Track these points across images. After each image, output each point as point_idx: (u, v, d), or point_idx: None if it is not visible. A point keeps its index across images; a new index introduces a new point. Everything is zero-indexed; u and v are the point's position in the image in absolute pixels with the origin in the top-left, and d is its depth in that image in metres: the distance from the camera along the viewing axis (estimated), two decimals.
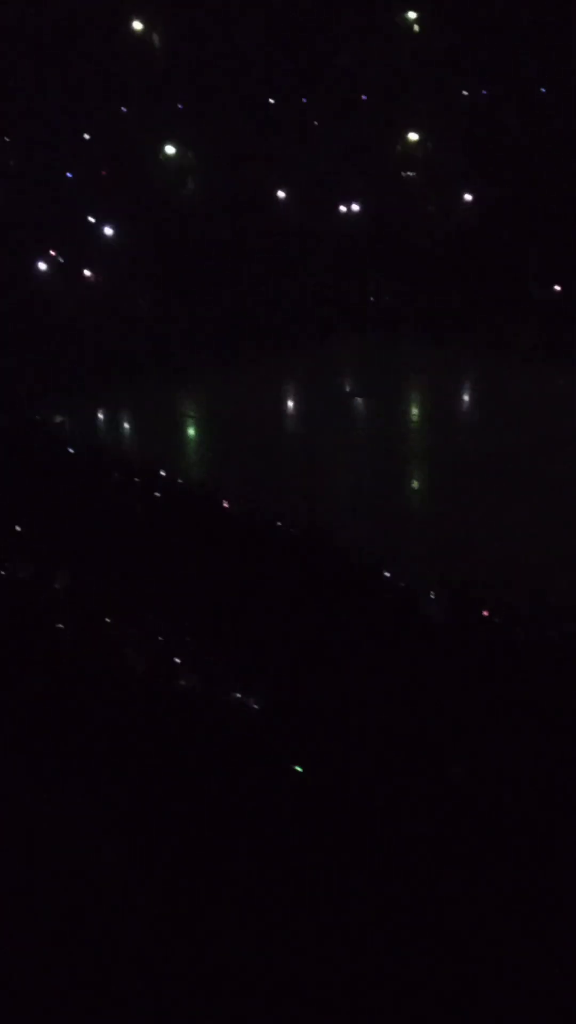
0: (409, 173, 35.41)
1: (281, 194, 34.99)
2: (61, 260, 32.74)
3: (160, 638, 15.36)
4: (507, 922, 10.02)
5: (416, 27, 35.12)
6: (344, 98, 34.83)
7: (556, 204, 33.07)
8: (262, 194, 34.62)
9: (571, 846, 10.84)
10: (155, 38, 34.84)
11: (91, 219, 33.49)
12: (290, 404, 29.61)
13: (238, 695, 13.72)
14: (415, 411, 30.14)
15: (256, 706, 13.51)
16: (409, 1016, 9.31)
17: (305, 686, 14.23)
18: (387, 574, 17.61)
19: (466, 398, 30.96)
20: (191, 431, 28.54)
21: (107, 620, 15.77)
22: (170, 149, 34.64)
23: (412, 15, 35.06)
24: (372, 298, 34.68)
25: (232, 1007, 9.36)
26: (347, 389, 30.46)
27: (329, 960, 9.79)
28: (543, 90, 33.82)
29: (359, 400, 29.74)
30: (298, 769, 11.96)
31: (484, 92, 34.38)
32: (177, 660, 14.73)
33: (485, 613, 16.34)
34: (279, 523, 19.47)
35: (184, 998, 9.47)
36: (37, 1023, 9.39)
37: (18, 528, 19.17)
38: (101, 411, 29.23)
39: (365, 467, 25.38)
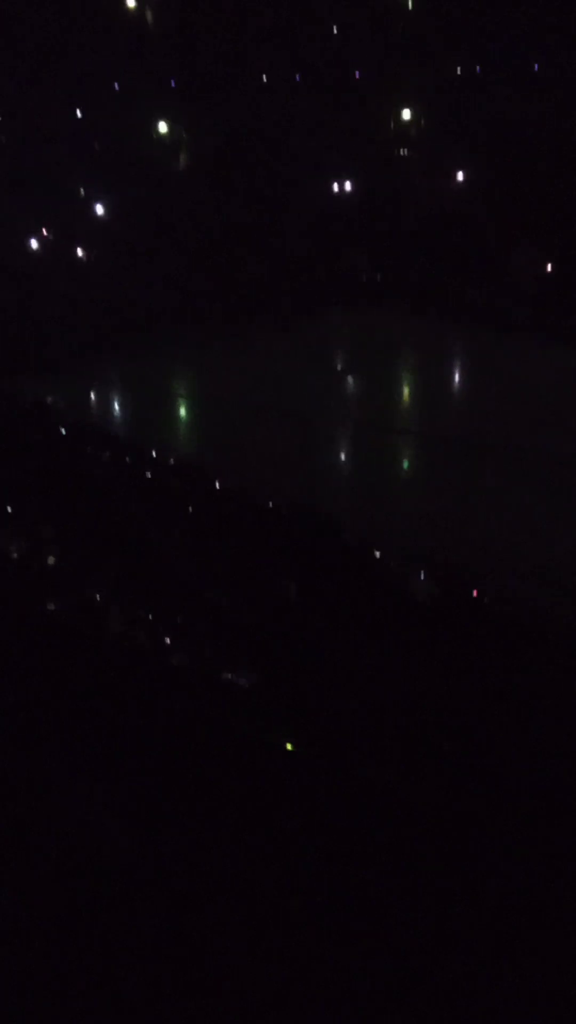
0: (403, 151, 35.28)
1: (272, 171, 34.79)
2: (50, 237, 32.61)
3: (151, 616, 15.42)
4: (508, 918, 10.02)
5: (409, 2, 34.86)
6: (337, 75, 34.62)
7: (547, 182, 33.02)
8: (254, 172, 34.45)
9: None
10: (148, 14, 34.58)
11: (82, 194, 33.33)
12: (282, 381, 29.48)
13: (229, 675, 13.79)
14: (406, 388, 30.15)
15: (246, 684, 13.59)
16: (409, 1016, 9.35)
17: (295, 664, 14.31)
18: (377, 553, 17.71)
19: (457, 374, 30.97)
20: (182, 410, 28.52)
21: (97, 598, 15.83)
22: (162, 126, 34.45)
23: None
24: (364, 276, 34.61)
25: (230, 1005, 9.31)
26: (339, 368, 30.48)
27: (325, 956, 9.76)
28: (536, 67, 33.64)
29: (350, 378, 29.78)
30: (289, 747, 12.03)
31: (478, 69, 34.18)
32: (167, 640, 14.80)
33: (475, 593, 16.45)
34: (271, 503, 19.54)
35: (182, 995, 9.40)
36: (37, 1021, 9.34)
37: (8, 508, 19.19)
38: (91, 390, 29.18)
39: (357, 444, 25.41)
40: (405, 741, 12.34)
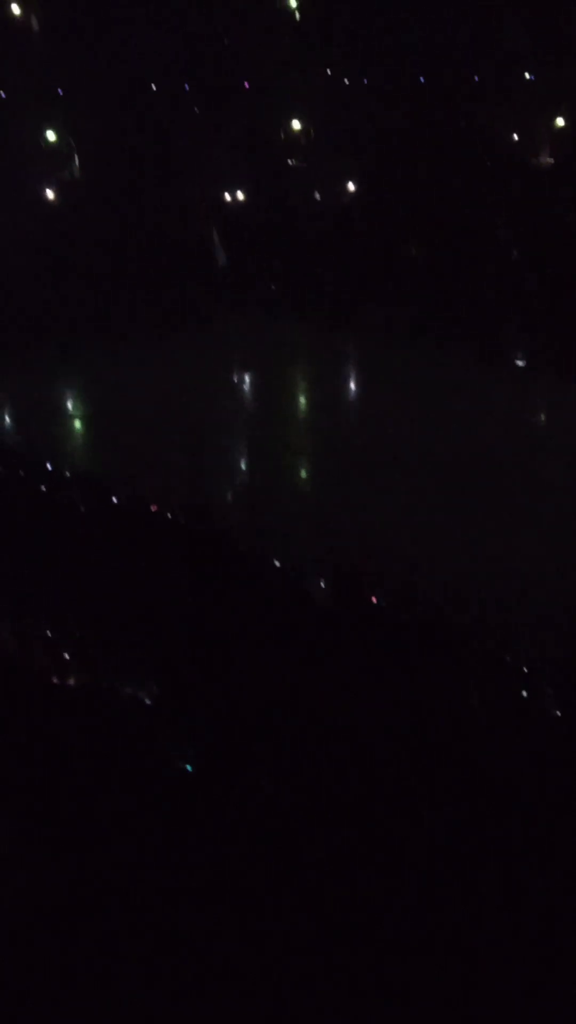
0: (292, 161, 35.56)
1: (164, 180, 34.69)
2: None
3: (48, 632, 15.22)
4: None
5: (297, 14, 35.15)
6: (226, 84, 34.72)
7: (437, 192, 33.62)
8: (145, 181, 34.28)
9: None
10: (33, 21, 34.20)
11: None
12: (180, 390, 29.30)
13: (128, 689, 13.67)
14: (300, 398, 30.34)
15: (147, 701, 13.48)
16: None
17: (196, 676, 14.25)
18: (277, 563, 17.75)
19: (353, 382, 31.27)
20: (77, 420, 28.18)
21: None
22: (50, 135, 34.08)
23: (293, 2, 35.09)
24: (272, 286, 34.56)
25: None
26: (232, 378, 30.56)
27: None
28: (422, 79, 34.23)
29: (243, 388, 29.95)
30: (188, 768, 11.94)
31: (365, 81, 34.61)
32: (66, 656, 14.61)
33: (373, 600, 16.59)
34: (168, 514, 19.45)
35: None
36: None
37: None
38: None
39: (255, 454, 25.47)
40: (305, 750, 12.39)
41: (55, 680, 14.20)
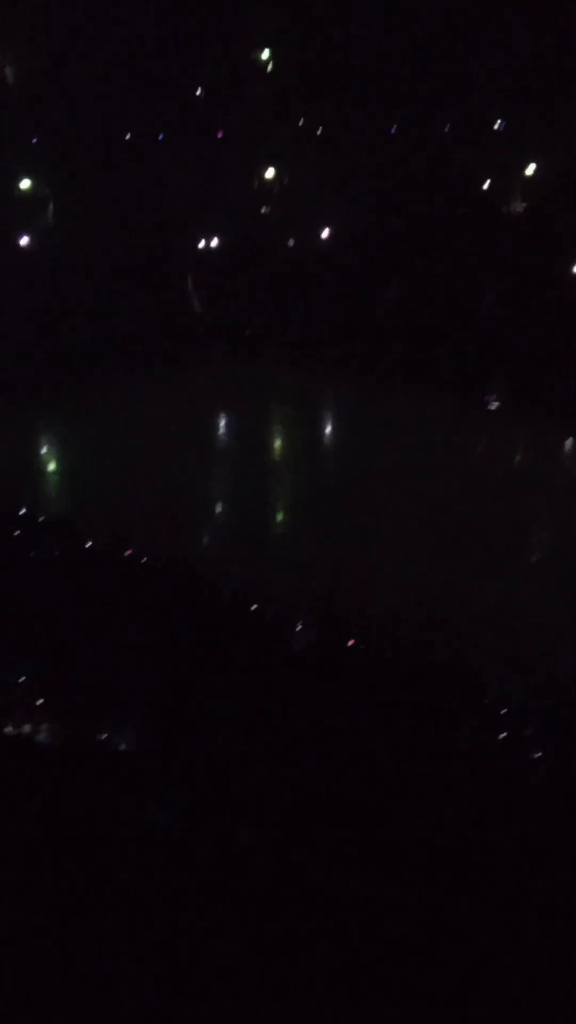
0: (265, 209, 35.92)
1: (138, 228, 34.87)
2: None
3: (22, 679, 14.99)
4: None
5: (270, 65, 35.63)
6: (200, 133, 35.08)
7: (412, 236, 34.01)
8: (119, 229, 34.42)
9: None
10: (7, 72, 34.48)
11: None
12: (157, 435, 29.20)
13: (103, 736, 13.46)
14: (278, 440, 30.36)
15: (122, 747, 13.28)
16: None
17: (172, 724, 14.06)
18: (254, 607, 17.62)
19: (331, 424, 31.37)
20: (51, 464, 28.02)
21: None
22: (24, 183, 34.23)
23: (266, 54, 35.58)
24: (247, 331, 34.68)
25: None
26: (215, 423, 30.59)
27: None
28: (392, 130, 34.72)
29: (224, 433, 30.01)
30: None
31: (339, 130, 35.05)
32: (39, 702, 14.39)
33: (351, 642, 16.48)
34: (144, 559, 19.31)
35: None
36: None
37: None
38: None
39: (233, 498, 25.43)
40: (285, 796, 12.25)
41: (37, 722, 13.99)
